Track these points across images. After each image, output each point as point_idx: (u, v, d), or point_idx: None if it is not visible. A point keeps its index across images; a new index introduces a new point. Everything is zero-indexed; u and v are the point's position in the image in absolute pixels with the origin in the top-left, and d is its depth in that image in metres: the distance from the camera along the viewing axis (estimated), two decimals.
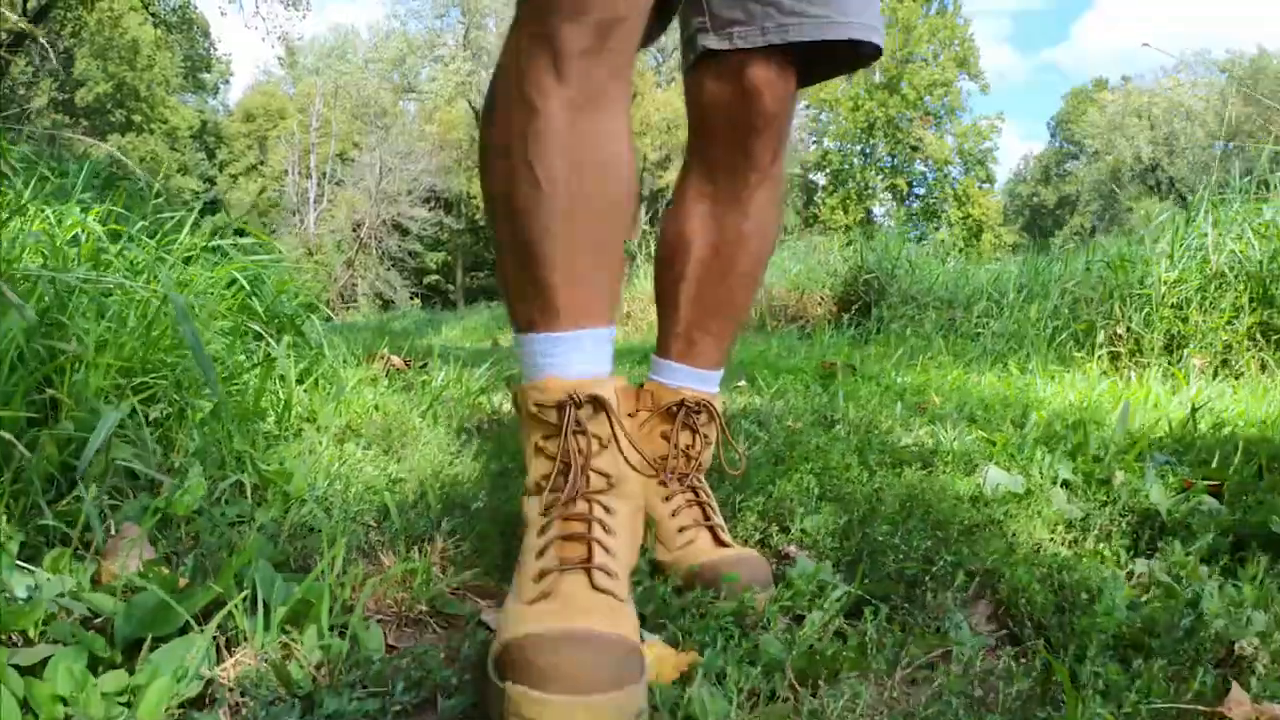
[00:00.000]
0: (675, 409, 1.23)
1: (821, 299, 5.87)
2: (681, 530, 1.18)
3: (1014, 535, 1.28)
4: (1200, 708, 0.78)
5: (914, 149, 34.85)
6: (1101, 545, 1.28)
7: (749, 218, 1.25)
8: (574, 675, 0.74)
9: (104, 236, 1.99)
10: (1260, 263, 3.28)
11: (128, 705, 0.74)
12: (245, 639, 0.83)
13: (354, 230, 32.13)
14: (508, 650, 0.78)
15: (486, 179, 1.00)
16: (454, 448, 1.70)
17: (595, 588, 0.84)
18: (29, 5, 17.22)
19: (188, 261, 2.24)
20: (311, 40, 38.98)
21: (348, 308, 27.72)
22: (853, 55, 1.21)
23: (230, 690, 0.76)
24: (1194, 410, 2.01)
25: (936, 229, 32.51)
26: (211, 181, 36.33)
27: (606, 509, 0.91)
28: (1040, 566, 1.08)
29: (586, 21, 0.91)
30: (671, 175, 30.48)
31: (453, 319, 7.94)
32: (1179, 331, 3.37)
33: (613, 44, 0.93)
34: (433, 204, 33.19)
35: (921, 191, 36.09)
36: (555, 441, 0.91)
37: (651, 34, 1.14)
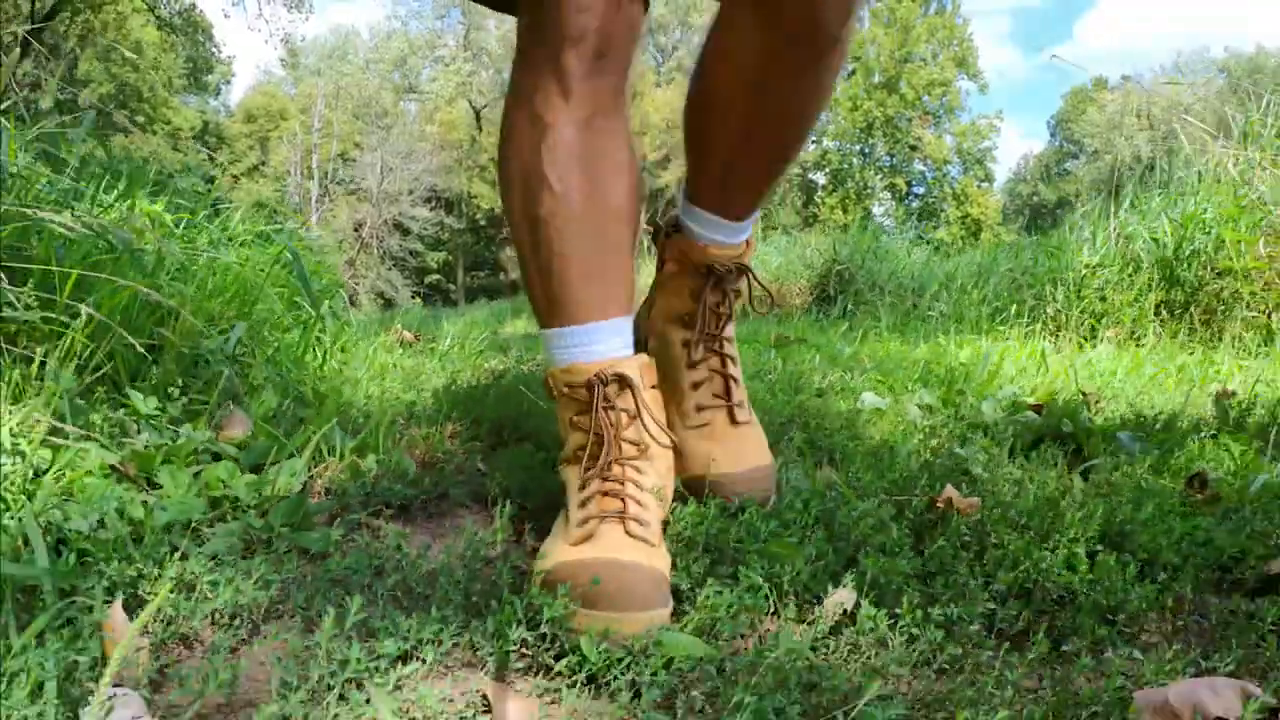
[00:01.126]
0: (705, 270, 1.24)
1: (799, 290, 6.36)
2: (700, 409, 1.21)
3: (863, 429, 1.77)
4: (937, 503, 1.26)
5: (913, 148, 35.34)
6: (933, 441, 1.76)
7: (807, 80, 1.14)
8: (613, 594, 0.87)
9: (170, 221, 2.50)
10: (1168, 247, 3.77)
11: (258, 490, 1.23)
12: (326, 460, 1.32)
13: (355, 230, 32.65)
14: (554, 573, 0.92)
15: (507, 192, 1.11)
16: (459, 382, 2.19)
17: (630, 534, 0.96)
18: (36, 6, 17.75)
19: (241, 244, 2.75)
20: (312, 41, 39.52)
21: (350, 307, 28.17)
22: None
23: (321, 482, 1.26)
24: (1074, 369, 2.50)
25: (935, 228, 32.99)
26: (211, 180, 36.81)
27: (638, 470, 1.02)
28: (862, 440, 1.57)
29: (586, 46, 1.03)
30: (671, 175, 31.00)
31: (454, 315, 8.43)
32: (1097, 309, 3.85)
33: (611, 63, 1.06)
34: (434, 204, 33.72)
35: (921, 191, 36.58)
36: (587, 417, 1.04)
37: None
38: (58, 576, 0.88)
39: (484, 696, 0.76)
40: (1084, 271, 3.93)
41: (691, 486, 1.21)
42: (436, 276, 36.21)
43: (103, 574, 0.89)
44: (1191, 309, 3.57)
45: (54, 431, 1.20)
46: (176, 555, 0.95)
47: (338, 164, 35.42)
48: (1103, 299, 3.86)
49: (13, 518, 0.97)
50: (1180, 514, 1.21)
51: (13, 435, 1.14)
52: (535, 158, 1.06)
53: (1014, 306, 4.18)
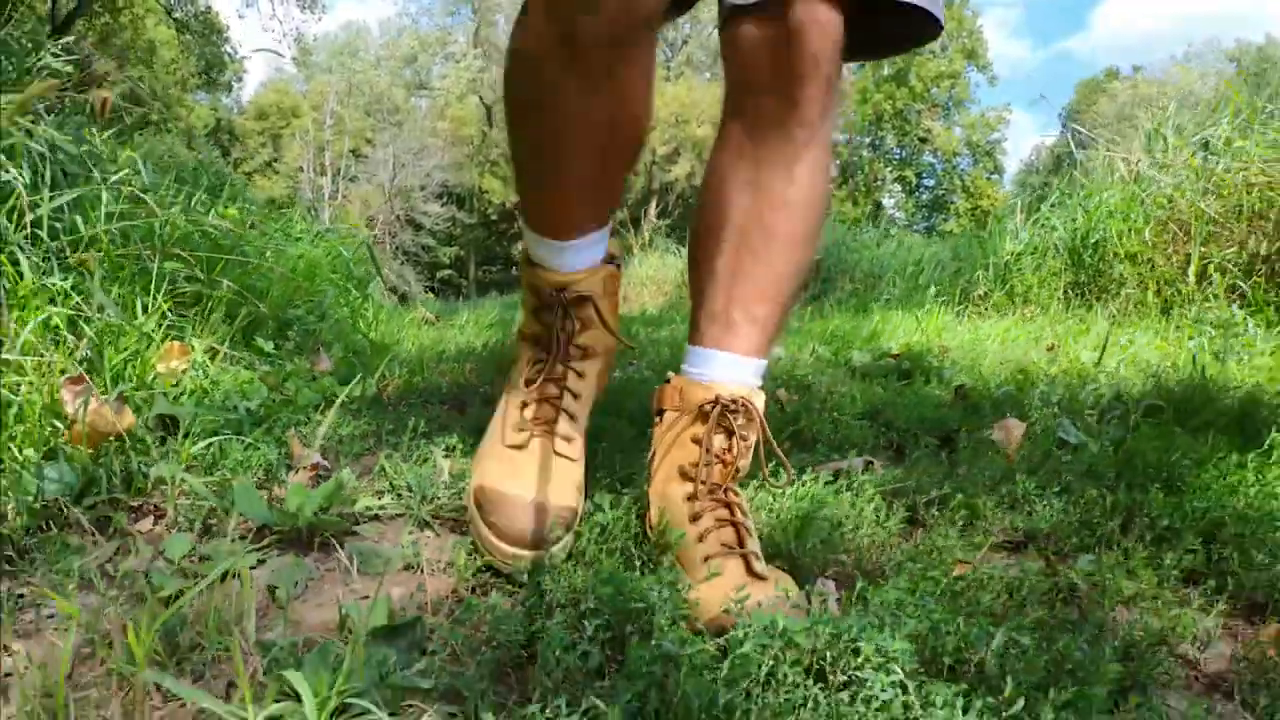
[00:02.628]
0: (709, 407, 1.13)
1: None
2: (707, 559, 1.05)
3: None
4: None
5: (922, 140, 35.93)
6: (798, 372, 2.48)
7: (795, 183, 1.15)
8: (513, 530, 1.05)
9: (243, 221, 3.26)
10: (1076, 236, 4.48)
11: (349, 393, 1.96)
12: (387, 379, 2.07)
13: (368, 225, 33.45)
14: (479, 494, 1.10)
15: (509, 108, 1.12)
16: (474, 342, 2.94)
17: (556, 452, 1.12)
18: (59, 7, 18.57)
19: (298, 239, 3.51)
20: (323, 38, 40.37)
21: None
22: (903, 25, 1.16)
23: (386, 391, 2.00)
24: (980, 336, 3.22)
25: (945, 220, 33.60)
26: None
27: (579, 373, 1.17)
28: None
29: (601, 18, 0.96)
30: (680, 169, 31.67)
31: (469, 304, 9.24)
32: (1017, 290, 4.57)
33: (628, 36, 0.99)
34: (445, 199, 34.50)
35: (930, 183, 37.17)
36: (546, 313, 1.17)
37: (683, 3, 1.21)
38: (256, 420, 1.62)
39: None
40: (1007, 258, 4.65)
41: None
42: (449, 271, 36.99)
43: (278, 420, 1.63)
44: (1092, 289, 4.29)
45: (222, 358, 1.94)
46: (319, 410, 1.70)
47: (350, 160, 36.21)
48: (1021, 281, 4.58)
49: (215, 394, 1.71)
50: (931, 405, 1.94)
51: (198, 360, 1.88)
52: (535, 88, 1.06)
53: (952, 289, 4.91)
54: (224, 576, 0.90)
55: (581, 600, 0.89)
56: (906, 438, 1.75)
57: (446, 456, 1.42)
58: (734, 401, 1.13)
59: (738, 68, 1.16)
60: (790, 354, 2.67)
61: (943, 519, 1.31)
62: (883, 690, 0.73)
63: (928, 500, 1.36)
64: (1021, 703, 0.71)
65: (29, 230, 1.79)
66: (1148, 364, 2.51)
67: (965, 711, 0.70)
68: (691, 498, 1.11)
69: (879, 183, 36.48)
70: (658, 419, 1.21)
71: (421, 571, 1.10)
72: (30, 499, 1.13)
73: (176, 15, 22.59)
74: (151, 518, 1.24)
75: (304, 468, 1.39)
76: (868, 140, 36.85)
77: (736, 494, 1.12)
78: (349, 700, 0.72)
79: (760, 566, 1.05)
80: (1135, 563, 1.10)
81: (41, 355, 1.49)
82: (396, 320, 3.43)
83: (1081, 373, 2.30)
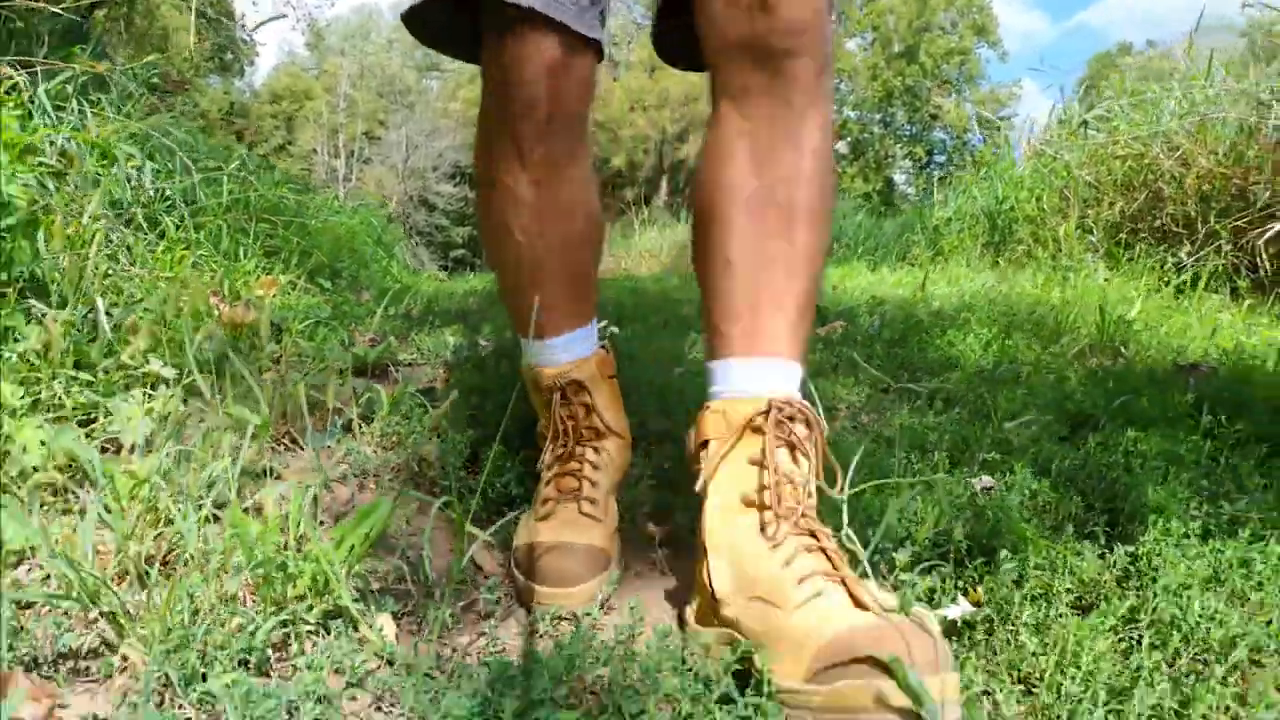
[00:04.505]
0: (761, 418, 0.98)
1: None
2: (802, 581, 0.89)
3: None
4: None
5: (933, 117, 36.53)
6: None
7: (805, 152, 1.05)
8: (557, 571, 1.11)
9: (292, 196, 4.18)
10: (993, 203, 5.33)
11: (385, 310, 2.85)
12: (411, 304, 2.98)
13: (381, 206, 34.27)
14: (518, 551, 1.17)
15: (483, 237, 1.33)
16: (478, 285, 3.83)
17: (582, 512, 1.19)
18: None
19: (337, 213, 4.42)
20: (335, 20, 41.21)
21: None
22: None
23: (414, 310, 2.91)
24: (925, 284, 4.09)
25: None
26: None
27: (596, 450, 1.26)
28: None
29: (537, 115, 1.14)
30: (690, 148, 32.40)
31: (474, 276, 10.24)
32: (944, 250, 5.43)
33: (561, 125, 1.16)
34: (458, 179, 35.28)
35: (942, 159, 37.78)
36: (549, 407, 1.28)
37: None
38: (327, 323, 2.52)
39: None
40: (936, 223, 5.51)
41: None
42: (462, 251, 37.84)
43: (342, 323, 2.52)
44: (1001, 247, 5.14)
45: (297, 289, 2.85)
46: (366, 320, 2.60)
47: (363, 142, 37.03)
48: (948, 243, 5.44)
49: (298, 308, 2.59)
50: None
51: (284, 288, 2.77)
52: (500, 213, 1.23)
53: (895, 252, 5.77)
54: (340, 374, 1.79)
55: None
56: None
57: (452, 335, 2.31)
58: (789, 405, 0.99)
59: (717, 40, 1.06)
60: None
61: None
62: None
63: None
64: None
65: (170, 202, 2.68)
66: (963, 291, 3.42)
67: None
68: (764, 526, 0.95)
69: (889, 159, 37.13)
70: (700, 452, 1.04)
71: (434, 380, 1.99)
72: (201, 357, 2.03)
73: (193, 3, 23.41)
74: (274, 370, 2.13)
75: (365, 340, 2.28)
76: (878, 117, 37.46)
77: (819, 524, 0.96)
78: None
79: (866, 596, 0.87)
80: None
81: (186, 284, 2.38)
82: (415, 276, 4.34)
83: (915, 297, 3.17)
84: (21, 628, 0.91)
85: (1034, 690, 0.95)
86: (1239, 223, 3.60)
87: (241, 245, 2.81)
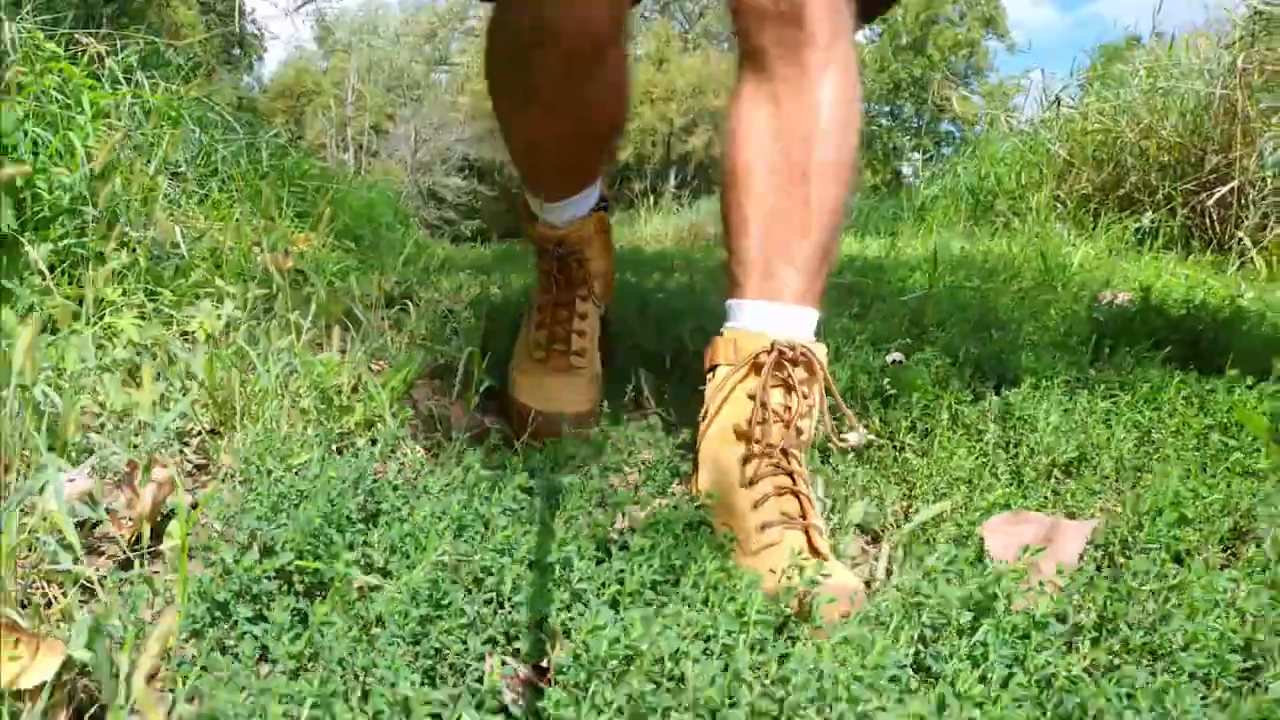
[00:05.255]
0: (764, 356, 1.07)
1: None
2: (764, 528, 0.97)
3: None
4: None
5: (940, 109, 36.74)
6: None
7: (818, 112, 1.11)
8: (542, 428, 1.31)
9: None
10: (975, 178, 5.65)
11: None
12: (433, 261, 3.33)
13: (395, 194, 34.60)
14: (522, 403, 1.39)
15: (493, 94, 1.29)
16: (486, 253, 4.18)
17: (571, 366, 1.39)
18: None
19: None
20: (342, 14, 41.60)
21: None
22: None
23: (432, 265, 3.26)
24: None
25: None
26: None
27: (584, 300, 1.43)
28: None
29: (555, 51, 1.14)
30: (697, 140, 32.71)
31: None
32: (929, 223, 5.76)
33: (581, 63, 1.17)
34: (466, 173, 35.61)
35: (949, 151, 37.99)
36: (549, 262, 1.45)
37: None
38: (355, 269, 2.86)
39: None
40: (923, 201, 5.84)
41: None
42: (471, 244, 38.13)
43: (368, 272, 2.86)
44: (982, 220, 5.46)
45: (326, 247, 3.19)
46: (397, 266, 2.94)
47: (371, 136, 37.36)
48: (932, 218, 5.76)
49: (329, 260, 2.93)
50: None
51: (315, 244, 3.11)
52: (520, 81, 1.20)
53: (884, 228, 6.09)
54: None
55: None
56: None
57: (467, 277, 2.65)
58: (791, 349, 1.06)
59: (739, 10, 1.13)
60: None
61: None
62: None
63: None
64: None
65: (214, 167, 3.02)
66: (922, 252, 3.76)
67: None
68: (747, 460, 1.03)
69: (897, 151, 37.35)
70: (710, 374, 1.16)
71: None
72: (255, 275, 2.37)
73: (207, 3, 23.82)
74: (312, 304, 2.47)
75: (392, 281, 2.62)
76: (886, 109, 37.68)
77: (799, 462, 1.05)
78: None
79: (823, 544, 0.98)
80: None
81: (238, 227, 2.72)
82: (429, 243, 4.68)
83: (886, 255, 3.51)
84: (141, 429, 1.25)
85: (913, 489, 1.29)
86: (1190, 186, 3.92)
87: (278, 207, 3.14)
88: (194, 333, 1.74)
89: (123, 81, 2.44)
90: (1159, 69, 4.75)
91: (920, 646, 0.82)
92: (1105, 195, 4.68)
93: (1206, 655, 0.78)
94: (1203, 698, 0.76)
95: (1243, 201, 3.67)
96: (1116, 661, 0.81)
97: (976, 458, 1.31)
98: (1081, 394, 1.49)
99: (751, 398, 1.07)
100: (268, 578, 0.80)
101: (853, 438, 1.36)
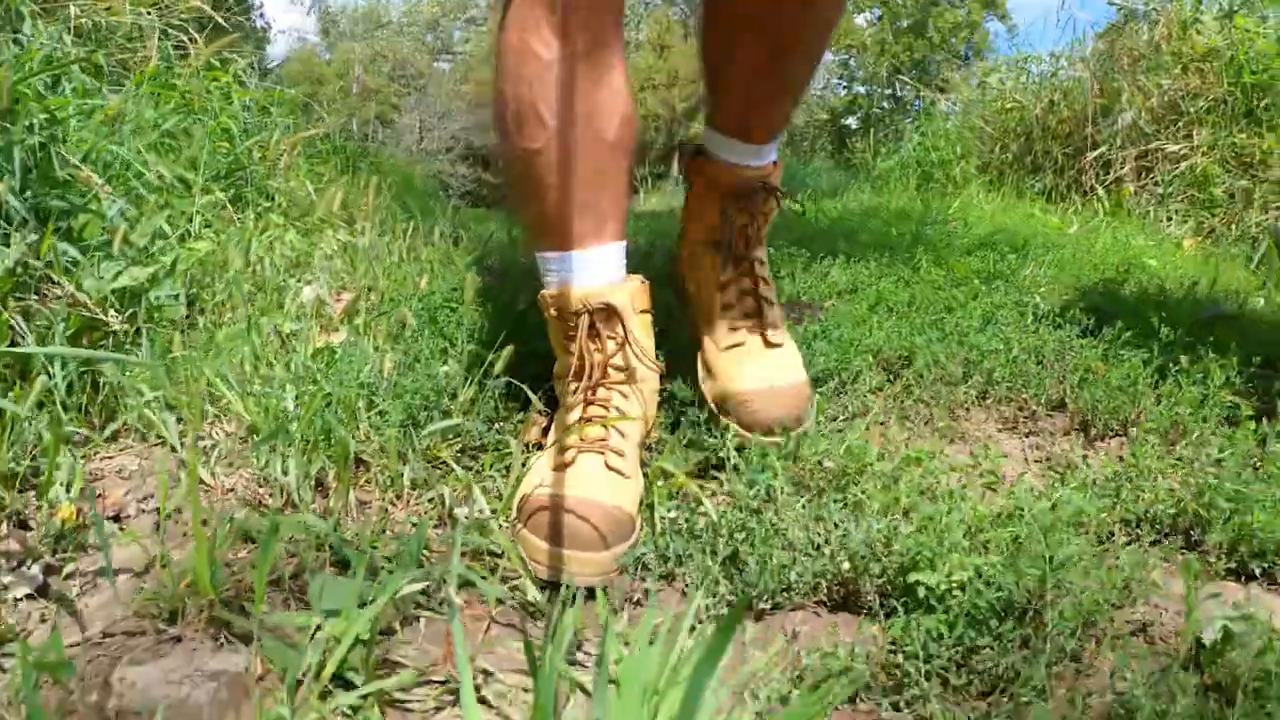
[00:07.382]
0: (733, 191, 1.30)
1: None
2: (732, 330, 1.26)
3: None
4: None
5: (941, 90, 37.47)
6: None
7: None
8: (574, 534, 0.98)
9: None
10: (923, 152, 6.63)
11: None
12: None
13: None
14: (526, 499, 1.03)
15: (500, 123, 1.15)
16: (496, 220, 5.19)
17: (608, 466, 1.07)
18: None
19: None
20: (346, 6, 42.45)
21: None
22: None
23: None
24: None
25: None
26: None
27: (624, 396, 1.15)
28: None
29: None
30: (699, 126, 33.50)
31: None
32: (882, 192, 6.74)
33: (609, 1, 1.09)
34: (471, 161, 36.34)
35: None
36: (575, 341, 1.13)
37: None
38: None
39: None
40: (879, 173, 6.83)
41: (724, 408, 1.25)
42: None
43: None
44: (926, 187, 6.45)
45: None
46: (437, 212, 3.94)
47: (376, 126, 38.15)
48: (886, 188, 6.75)
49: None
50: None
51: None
52: (528, 89, 1.08)
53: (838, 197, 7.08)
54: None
55: None
56: None
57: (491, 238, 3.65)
58: (757, 183, 1.30)
59: None
60: None
61: None
62: None
63: None
64: None
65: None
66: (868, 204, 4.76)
67: None
68: (722, 266, 1.28)
69: (899, 132, 38.05)
70: (689, 190, 1.39)
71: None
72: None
73: None
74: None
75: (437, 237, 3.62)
76: (888, 92, 38.47)
77: (761, 263, 1.29)
78: None
79: (776, 336, 1.28)
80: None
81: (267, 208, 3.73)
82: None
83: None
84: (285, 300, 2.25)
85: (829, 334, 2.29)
86: (1069, 151, 4.93)
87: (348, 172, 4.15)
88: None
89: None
90: (1062, 55, 5.73)
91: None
92: (1020, 162, 5.67)
93: None
94: None
95: (1108, 162, 4.69)
96: None
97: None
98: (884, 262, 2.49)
99: (723, 219, 1.35)
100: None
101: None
